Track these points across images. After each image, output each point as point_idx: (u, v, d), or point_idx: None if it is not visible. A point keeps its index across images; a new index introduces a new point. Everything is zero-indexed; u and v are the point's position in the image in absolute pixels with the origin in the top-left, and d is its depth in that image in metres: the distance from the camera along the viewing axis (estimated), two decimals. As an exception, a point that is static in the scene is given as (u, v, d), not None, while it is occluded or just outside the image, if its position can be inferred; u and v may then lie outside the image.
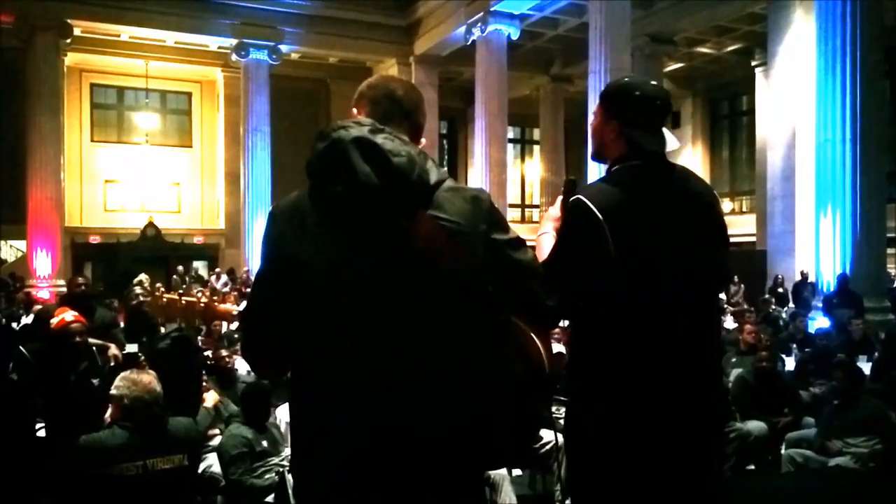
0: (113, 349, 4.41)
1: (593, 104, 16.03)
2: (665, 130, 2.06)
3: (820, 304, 10.19)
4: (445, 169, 1.64)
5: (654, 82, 2.14)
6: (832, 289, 9.88)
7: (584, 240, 1.89)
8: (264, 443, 4.69)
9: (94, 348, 4.35)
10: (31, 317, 8.85)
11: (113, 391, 3.34)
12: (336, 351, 1.52)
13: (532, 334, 1.60)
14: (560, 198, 2.04)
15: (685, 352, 1.93)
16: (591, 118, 2.18)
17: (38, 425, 4.41)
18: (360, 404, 1.50)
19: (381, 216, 1.50)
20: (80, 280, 6.92)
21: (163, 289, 15.69)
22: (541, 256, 1.90)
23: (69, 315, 4.43)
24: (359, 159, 1.48)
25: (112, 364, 4.32)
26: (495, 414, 1.54)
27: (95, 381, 4.25)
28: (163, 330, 4.89)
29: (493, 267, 1.57)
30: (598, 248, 1.83)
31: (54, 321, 4.43)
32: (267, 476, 4.55)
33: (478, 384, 1.52)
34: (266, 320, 1.62)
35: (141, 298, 4.84)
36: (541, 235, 2.07)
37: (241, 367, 6.90)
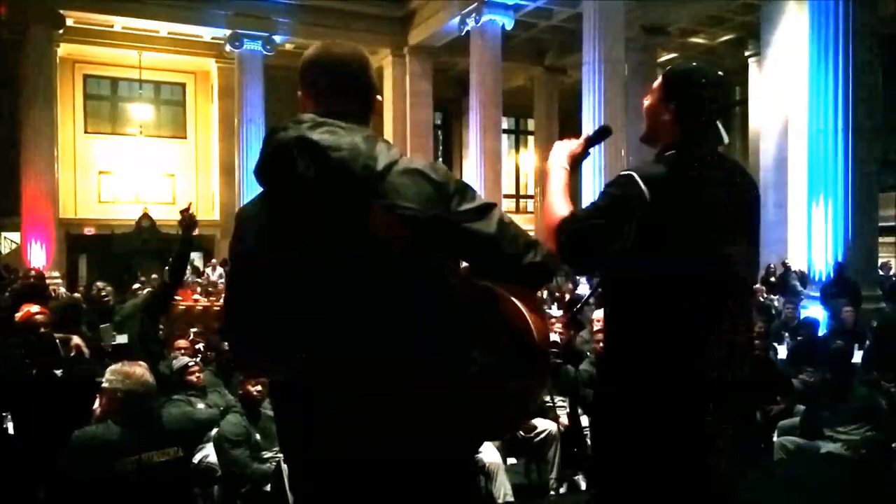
0: (76, 340, 4.38)
1: (587, 94, 15.91)
2: (719, 124, 2.01)
3: (810, 293, 10.22)
4: (397, 149, 1.61)
5: (720, 72, 2.05)
6: (824, 278, 9.91)
7: (630, 207, 1.86)
8: (257, 436, 4.72)
9: (56, 341, 4.34)
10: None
11: (105, 384, 3.30)
12: (296, 341, 1.57)
13: (517, 302, 1.58)
14: (587, 135, 1.96)
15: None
16: (647, 98, 2.09)
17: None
18: (319, 391, 1.55)
19: (323, 208, 1.53)
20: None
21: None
22: (551, 183, 1.98)
23: (34, 307, 4.43)
24: (298, 158, 1.53)
25: (73, 354, 4.30)
26: (452, 398, 1.54)
27: (58, 373, 4.22)
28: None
29: (455, 242, 1.58)
30: (639, 216, 1.84)
31: (19, 314, 4.44)
32: (265, 465, 4.57)
33: (433, 366, 1.53)
34: (239, 313, 1.66)
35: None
36: (555, 168, 2.04)
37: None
